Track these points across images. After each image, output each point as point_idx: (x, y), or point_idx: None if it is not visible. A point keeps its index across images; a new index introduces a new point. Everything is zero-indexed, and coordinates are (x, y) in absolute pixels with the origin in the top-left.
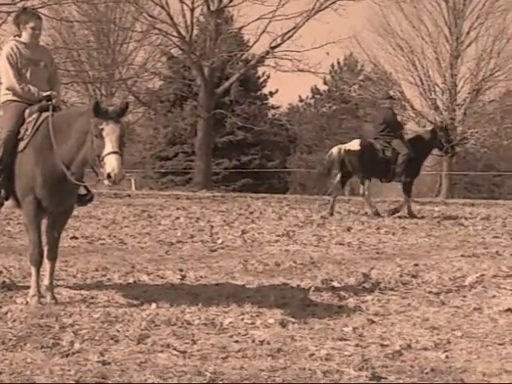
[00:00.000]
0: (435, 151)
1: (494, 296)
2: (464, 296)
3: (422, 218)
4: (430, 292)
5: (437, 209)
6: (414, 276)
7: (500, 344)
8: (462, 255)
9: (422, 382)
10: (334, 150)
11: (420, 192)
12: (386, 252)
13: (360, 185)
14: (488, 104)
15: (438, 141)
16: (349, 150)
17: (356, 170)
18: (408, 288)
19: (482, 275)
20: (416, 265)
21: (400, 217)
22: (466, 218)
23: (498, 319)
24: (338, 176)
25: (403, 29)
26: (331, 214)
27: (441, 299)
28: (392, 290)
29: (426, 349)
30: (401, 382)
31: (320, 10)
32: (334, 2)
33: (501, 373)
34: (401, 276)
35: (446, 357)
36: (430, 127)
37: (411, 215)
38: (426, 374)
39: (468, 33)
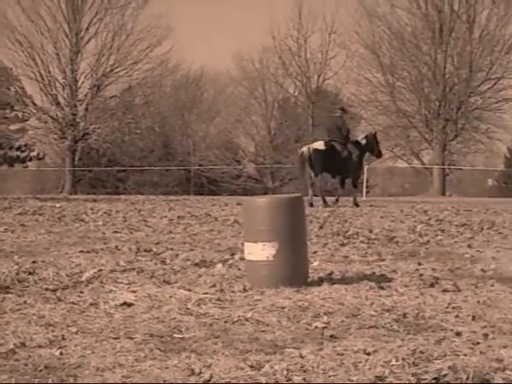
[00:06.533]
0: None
1: (110, 291)
2: (81, 292)
3: (42, 214)
4: (46, 289)
5: (58, 205)
6: (31, 273)
7: (115, 338)
8: (81, 251)
9: (35, 381)
10: (305, 149)
11: (44, 188)
12: (5, 250)
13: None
14: (109, 99)
15: (371, 145)
16: (315, 148)
17: (316, 165)
18: (25, 286)
19: (100, 270)
20: (34, 262)
21: (20, 213)
22: (87, 214)
23: (114, 314)
24: (311, 172)
25: (22, 23)
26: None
27: (57, 296)
28: (8, 288)
29: (40, 346)
30: (13, 381)
31: None
32: None
33: (114, 366)
34: (17, 274)
35: (61, 353)
36: (363, 134)
37: (357, 205)
38: (40, 371)
39: (87, 28)
